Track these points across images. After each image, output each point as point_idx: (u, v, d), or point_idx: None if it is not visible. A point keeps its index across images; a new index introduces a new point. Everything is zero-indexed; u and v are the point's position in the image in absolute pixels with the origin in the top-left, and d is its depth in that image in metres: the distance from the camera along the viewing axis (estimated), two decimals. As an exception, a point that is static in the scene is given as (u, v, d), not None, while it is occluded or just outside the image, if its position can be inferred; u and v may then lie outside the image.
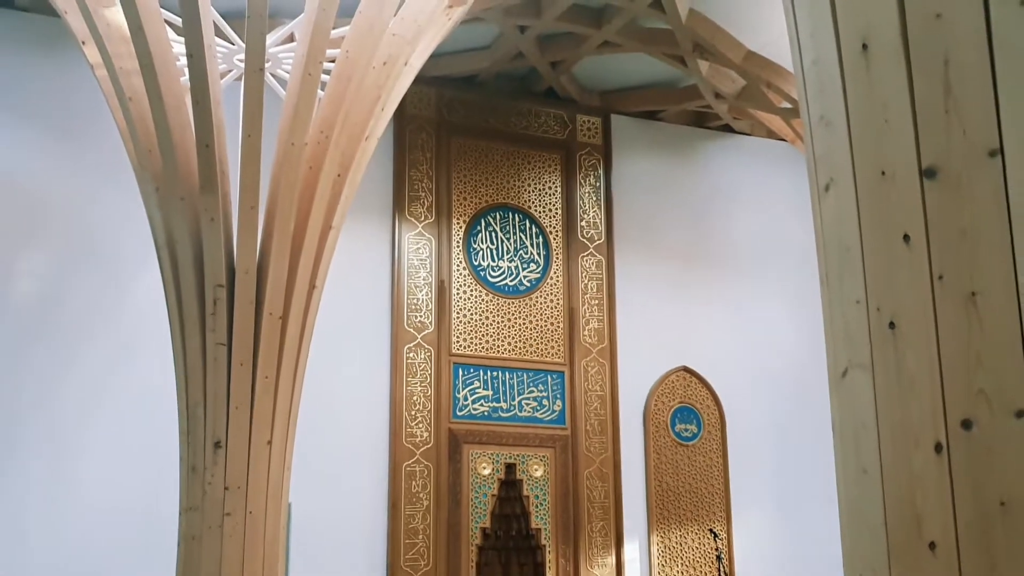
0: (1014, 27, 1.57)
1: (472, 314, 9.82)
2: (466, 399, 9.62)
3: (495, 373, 9.77)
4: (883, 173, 1.70)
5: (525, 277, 10.12)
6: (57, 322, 8.49)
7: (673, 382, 10.50)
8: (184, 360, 5.65)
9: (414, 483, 9.25)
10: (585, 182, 10.58)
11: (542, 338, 10.03)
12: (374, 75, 6.10)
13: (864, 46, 1.75)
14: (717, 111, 10.69)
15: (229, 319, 5.58)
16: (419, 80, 7.54)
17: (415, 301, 9.60)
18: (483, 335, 9.81)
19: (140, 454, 8.26)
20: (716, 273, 10.89)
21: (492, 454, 9.60)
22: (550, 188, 10.48)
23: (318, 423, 8.41)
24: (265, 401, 5.60)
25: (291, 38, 7.00)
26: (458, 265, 9.86)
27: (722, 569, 9.73)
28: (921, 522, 1.60)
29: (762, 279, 10.99)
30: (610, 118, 10.84)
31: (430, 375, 9.51)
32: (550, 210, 10.42)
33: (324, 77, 5.96)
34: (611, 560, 9.77)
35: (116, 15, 5.83)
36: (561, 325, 10.13)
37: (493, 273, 9.99)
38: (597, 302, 10.30)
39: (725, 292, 10.84)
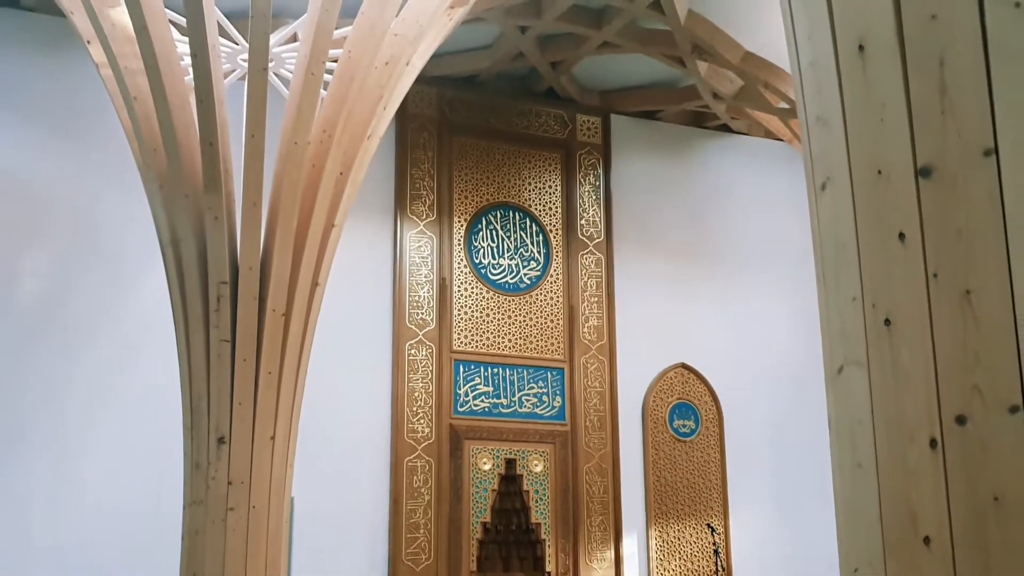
0: (1009, 28, 1.57)
1: (473, 311, 9.86)
2: (467, 395, 9.66)
3: (495, 369, 9.82)
4: (879, 172, 1.70)
5: (525, 275, 10.16)
6: (61, 320, 8.51)
7: (671, 379, 10.54)
8: (188, 356, 5.66)
9: (415, 478, 9.29)
10: (585, 181, 10.62)
11: (542, 335, 10.07)
12: (376, 75, 6.11)
13: (861, 47, 1.75)
14: (715, 111, 10.71)
15: (233, 316, 5.60)
16: (421, 80, 7.54)
17: (416, 298, 9.64)
18: (484, 332, 9.86)
19: (144, 451, 8.28)
20: (714, 271, 10.92)
21: (492, 449, 9.64)
22: (550, 187, 10.51)
23: (321, 419, 8.45)
24: (268, 397, 5.62)
25: (294, 38, 7.02)
26: (459, 263, 9.90)
27: (719, 563, 9.77)
28: (916, 517, 1.60)
29: (760, 277, 11.03)
30: (610, 118, 10.87)
31: (431, 371, 9.55)
32: (550, 208, 10.45)
33: (327, 77, 5.97)
34: (610, 554, 9.81)
35: (121, 15, 5.83)
36: (561, 322, 10.17)
37: (494, 271, 10.04)
38: (596, 300, 10.34)
39: (723, 290, 10.87)
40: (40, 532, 8.08)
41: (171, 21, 5.83)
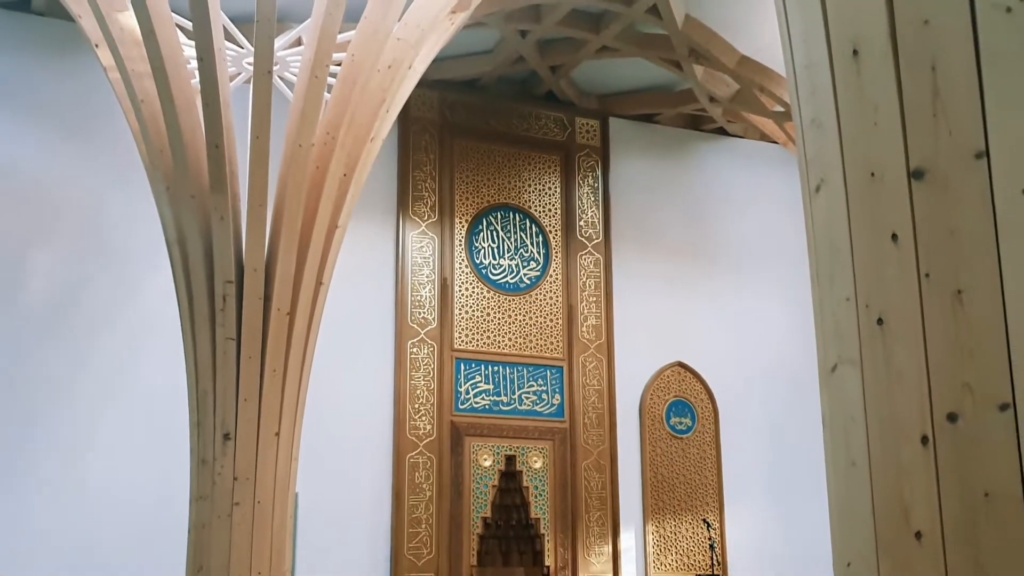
0: (1000, 33, 1.58)
1: (474, 310, 9.93)
2: (468, 393, 9.73)
3: (496, 368, 9.88)
4: (872, 174, 1.71)
5: (525, 275, 10.22)
6: (69, 319, 8.55)
7: (668, 377, 10.61)
8: (194, 354, 5.70)
9: (417, 474, 9.36)
10: (584, 183, 10.68)
11: (542, 334, 10.14)
12: (379, 78, 6.14)
13: (855, 51, 1.75)
14: (712, 114, 10.76)
15: (238, 314, 5.64)
16: (422, 83, 7.59)
17: (418, 298, 9.71)
18: (484, 331, 9.93)
19: (151, 447, 8.31)
20: (711, 271, 10.98)
21: (493, 446, 9.71)
22: (550, 188, 10.58)
23: (324, 416, 8.47)
24: (273, 394, 5.66)
25: (299, 42, 7.07)
26: (460, 263, 9.97)
27: (715, 558, 9.85)
28: (908, 513, 1.61)
29: (755, 277, 11.08)
30: (608, 121, 10.93)
31: (433, 369, 9.61)
32: (550, 210, 10.52)
33: (330, 80, 6.02)
34: (608, 549, 9.89)
35: (129, 19, 5.86)
36: (560, 321, 10.23)
37: (494, 271, 10.10)
38: (595, 299, 10.40)
39: (719, 289, 10.93)
40: (48, 527, 8.11)
41: (178, 25, 5.85)
